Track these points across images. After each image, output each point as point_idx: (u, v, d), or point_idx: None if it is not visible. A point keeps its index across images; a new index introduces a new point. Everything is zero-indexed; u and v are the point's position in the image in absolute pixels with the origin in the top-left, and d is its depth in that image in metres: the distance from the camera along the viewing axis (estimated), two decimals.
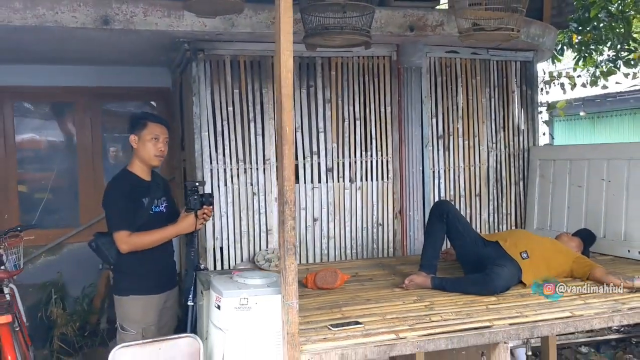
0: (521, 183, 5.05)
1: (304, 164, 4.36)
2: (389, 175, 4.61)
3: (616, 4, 7.63)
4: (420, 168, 4.65)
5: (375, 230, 4.58)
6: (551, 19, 5.30)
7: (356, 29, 3.49)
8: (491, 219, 4.93)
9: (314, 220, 4.40)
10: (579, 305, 2.99)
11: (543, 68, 7.98)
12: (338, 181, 4.48)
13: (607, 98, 14.44)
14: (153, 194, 3.31)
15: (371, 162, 4.56)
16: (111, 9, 3.62)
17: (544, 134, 6.08)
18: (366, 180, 4.55)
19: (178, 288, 3.61)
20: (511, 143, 5.01)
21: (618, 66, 7.77)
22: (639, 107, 14.95)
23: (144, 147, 3.26)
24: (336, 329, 2.66)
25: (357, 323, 2.74)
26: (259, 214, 4.25)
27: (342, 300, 3.19)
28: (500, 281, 3.23)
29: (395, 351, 2.55)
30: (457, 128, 4.79)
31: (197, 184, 3.35)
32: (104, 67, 5.44)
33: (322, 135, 4.40)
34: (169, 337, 2.83)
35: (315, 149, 4.39)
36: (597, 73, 7.26)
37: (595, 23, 7.45)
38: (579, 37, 7.79)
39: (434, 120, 4.72)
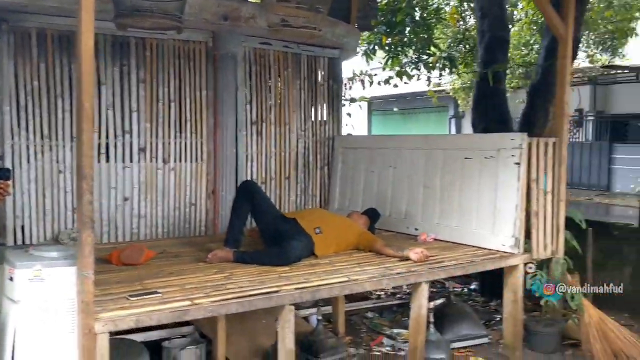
0: (326, 168, 5.55)
1: (115, 143, 4.37)
2: (203, 157, 4.79)
3: (420, 12, 8.55)
4: (234, 151, 4.90)
5: (187, 209, 4.74)
6: (357, 21, 5.86)
7: (167, 13, 3.60)
8: (299, 200, 5.37)
9: (125, 199, 4.43)
10: (356, 272, 3.47)
11: (353, 68, 8.67)
12: (151, 161, 4.55)
13: (417, 97, 16.08)
14: None
15: (185, 143, 4.71)
16: None
17: (346, 125, 6.71)
18: (180, 161, 4.68)
19: None
20: (318, 132, 5.49)
21: (419, 68, 8.73)
22: (443, 106, 16.86)
23: None
24: (134, 298, 2.80)
25: (156, 293, 2.91)
26: (65, 192, 4.18)
27: (144, 275, 3.32)
28: (293, 252, 3.61)
29: (189, 316, 2.77)
30: (270, 116, 5.13)
31: None
32: None
33: (135, 115, 4.44)
34: None
35: (127, 128, 4.41)
36: (393, 74, 8.09)
37: (401, 28, 8.28)
38: (389, 39, 8.60)
39: (249, 107, 4.99)
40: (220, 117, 4.81)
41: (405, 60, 9.02)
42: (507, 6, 7.83)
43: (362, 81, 8.31)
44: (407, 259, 3.70)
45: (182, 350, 3.53)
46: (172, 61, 4.58)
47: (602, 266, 5.09)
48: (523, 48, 11.07)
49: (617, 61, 13.29)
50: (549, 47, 5.16)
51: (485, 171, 4.22)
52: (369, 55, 8.36)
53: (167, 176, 4.62)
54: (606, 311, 4.31)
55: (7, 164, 3.89)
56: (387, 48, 8.73)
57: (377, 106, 20.45)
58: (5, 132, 3.96)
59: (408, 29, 8.44)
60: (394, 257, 3.79)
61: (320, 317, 4.06)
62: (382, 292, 5.77)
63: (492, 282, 5.08)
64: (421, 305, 3.57)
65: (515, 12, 10.39)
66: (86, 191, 2.51)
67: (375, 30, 7.57)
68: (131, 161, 4.44)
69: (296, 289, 3.11)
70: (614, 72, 12.95)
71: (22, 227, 4.06)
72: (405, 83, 8.04)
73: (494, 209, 4.12)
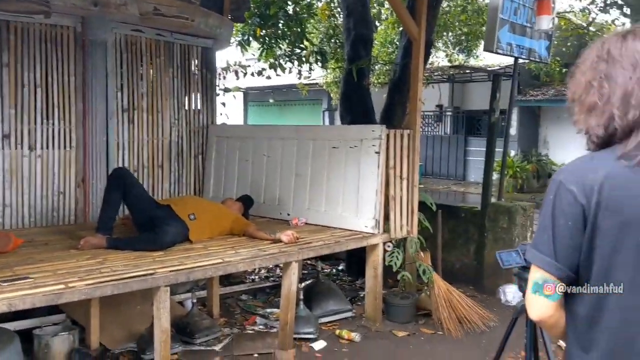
0: (200, 157, 5.65)
1: None
2: (72, 144, 4.69)
3: (292, 5, 8.82)
4: (104, 139, 4.85)
5: (56, 198, 4.63)
6: (231, 12, 6.00)
7: None
8: (172, 188, 5.43)
9: None
10: (230, 254, 3.66)
11: (227, 58, 8.79)
12: (16, 148, 4.39)
13: (292, 89, 16.48)
14: None
15: (53, 130, 4.59)
16: None
17: (221, 114, 6.82)
18: (47, 148, 4.56)
19: None
20: (192, 121, 5.57)
21: (293, 61, 9.03)
22: (317, 98, 17.44)
23: None
24: (5, 284, 2.78)
25: (27, 278, 2.90)
26: None
27: (14, 262, 3.26)
28: (167, 237, 3.72)
29: (63, 299, 2.80)
30: (142, 103, 5.12)
31: None
32: None
33: None
34: None
35: None
36: (267, 65, 8.33)
37: (274, 21, 8.51)
38: (263, 31, 8.79)
39: (120, 94, 4.96)
40: (89, 103, 4.73)
41: (279, 52, 9.26)
42: (372, 5, 8.35)
43: (236, 72, 8.44)
44: (279, 241, 3.95)
45: (54, 337, 3.51)
46: (37, 46, 4.43)
47: (451, 244, 5.74)
48: (389, 46, 11.83)
49: (472, 61, 14.63)
50: (406, 46, 5.64)
51: (350, 160, 4.59)
52: (243, 46, 8.51)
53: (34, 164, 4.48)
54: (454, 284, 4.90)
55: None
56: (261, 40, 8.92)
57: (254, 97, 20.62)
58: None
59: (282, 22, 8.67)
60: (266, 240, 4.03)
61: (195, 301, 4.21)
62: (257, 276, 6.00)
63: (358, 263, 5.49)
64: (291, 283, 3.84)
65: (382, 11, 11.04)
66: None
67: (250, 22, 7.72)
68: None
69: (171, 271, 3.23)
70: (468, 71, 14.23)
71: None
72: (278, 75, 8.29)
73: (358, 194, 4.51)
